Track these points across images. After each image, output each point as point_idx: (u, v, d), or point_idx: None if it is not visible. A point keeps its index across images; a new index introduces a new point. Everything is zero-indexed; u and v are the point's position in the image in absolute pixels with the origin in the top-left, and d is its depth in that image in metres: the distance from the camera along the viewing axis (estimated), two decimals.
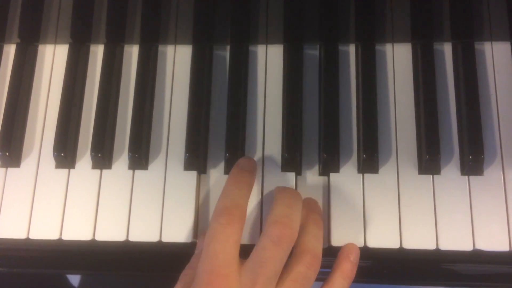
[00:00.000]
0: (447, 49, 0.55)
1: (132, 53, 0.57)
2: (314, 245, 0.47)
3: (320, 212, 0.50)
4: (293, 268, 0.45)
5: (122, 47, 0.58)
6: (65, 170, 0.53)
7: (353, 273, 0.48)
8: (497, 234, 0.49)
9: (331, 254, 0.49)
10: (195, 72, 0.56)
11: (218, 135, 0.54)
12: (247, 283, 0.43)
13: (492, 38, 0.55)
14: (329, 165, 0.52)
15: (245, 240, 0.49)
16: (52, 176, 0.53)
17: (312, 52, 0.56)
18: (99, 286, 0.78)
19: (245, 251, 0.46)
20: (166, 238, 0.51)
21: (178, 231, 0.51)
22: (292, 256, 0.46)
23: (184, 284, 0.47)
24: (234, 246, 0.45)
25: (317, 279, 0.48)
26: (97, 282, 0.79)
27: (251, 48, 0.57)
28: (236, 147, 0.52)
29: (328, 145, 0.51)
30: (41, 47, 0.58)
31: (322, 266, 0.47)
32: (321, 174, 0.52)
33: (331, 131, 0.52)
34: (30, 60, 0.58)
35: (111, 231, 0.52)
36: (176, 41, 0.57)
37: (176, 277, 0.47)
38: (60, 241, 0.52)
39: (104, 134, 0.53)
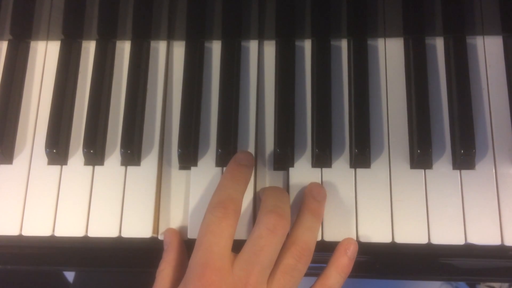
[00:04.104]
0: (439, 44, 0.55)
1: (124, 49, 0.57)
2: (305, 237, 0.47)
3: (321, 199, 0.50)
4: (283, 260, 0.46)
5: (114, 43, 0.58)
6: (58, 167, 0.53)
7: (349, 268, 0.48)
8: (488, 228, 0.49)
9: (323, 249, 0.49)
10: (187, 67, 0.55)
11: (210, 130, 0.54)
12: (241, 274, 0.43)
13: (484, 32, 0.55)
14: (321, 160, 0.52)
15: (237, 235, 0.49)
16: (45, 172, 0.53)
17: (304, 47, 0.56)
18: (94, 282, 0.78)
19: (238, 247, 0.46)
20: (160, 235, 0.51)
21: (170, 227, 0.51)
22: (282, 248, 0.46)
23: (163, 279, 0.47)
24: (229, 240, 0.45)
25: (313, 274, 0.48)
26: (91, 278, 0.79)
27: (244, 43, 0.57)
28: (228, 142, 0.52)
29: (320, 140, 0.51)
30: (33, 44, 0.58)
31: (315, 261, 0.47)
32: (313, 167, 0.52)
33: (323, 126, 0.52)
34: (22, 56, 0.57)
35: (104, 227, 0.52)
36: (168, 37, 0.57)
37: None
38: (53, 238, 0.52)
39: (96, 130, 0.53)
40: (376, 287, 1.24)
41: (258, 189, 0.52)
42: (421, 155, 0.50)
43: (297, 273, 0.46)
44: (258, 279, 0.43)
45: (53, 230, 0.52)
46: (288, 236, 0.47)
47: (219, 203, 0.46)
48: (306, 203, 0.49)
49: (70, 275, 0.89)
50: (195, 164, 0.53)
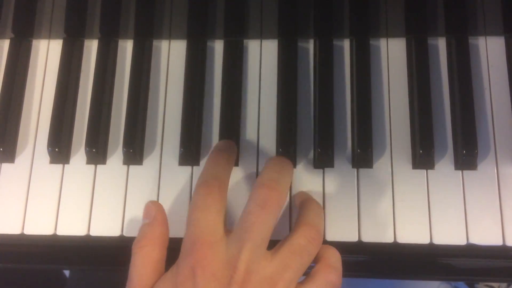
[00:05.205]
0: (441, 44, 0.55)
1: (127, 48, 0.57)
2: (317, 221, 0.45)
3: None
4: (293, 239, 0.44)
5: (117, 42, 0.57)
6: (60, 166, 0.53)
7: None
8: (490, 228, 0.49)
9: None
10: (189, 67, 0.55)
11: (212, 129, 0.54)
12: (233, 251, 0.42)
13: (486, 32, 0.55)
14: (324, 160, 0.52)
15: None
16: (47, 171, 0.53)
17: (307, 47, 0.56)
18: (90, 277, 0.78)
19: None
20: None
21: (173, 226, 0.51)
22: (292, 229, 0.45)
23: (145, 258, 0.45)
24: (217, 214, 0.44)
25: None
26: (92, 277, 0.79)
27: (246, 42, 0.57)
28: None
29: (322, 140, 0.51)
30: (35, 42, 0.58)
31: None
32: (315, 168, 0.52)
33: (326, 125, 0.52)
34: (24, 55, 0.57)
35: (106, 226, 0.52)
36: (170, 36, 0.57)
37: None
38: (54, 237, 0.52)
39: (98, 129, 0.53)
40: (375, 286, 1.24)
41: None
42: (423, 155, 0.50)
43: (307, 255, 0.44)
44: (251, 255, 0.42)
45: (55, 229, 0.52)
46: (298, 219, 0.46)
47: (203, 182, 0.46)
48: (309, 195, 0.49)
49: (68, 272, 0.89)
50: (197, 164, 0.53)
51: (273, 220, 0.44)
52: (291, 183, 0.50)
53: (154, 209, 0.48)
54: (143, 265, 0.45)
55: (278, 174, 0.46)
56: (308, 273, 0.46)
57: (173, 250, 0.47)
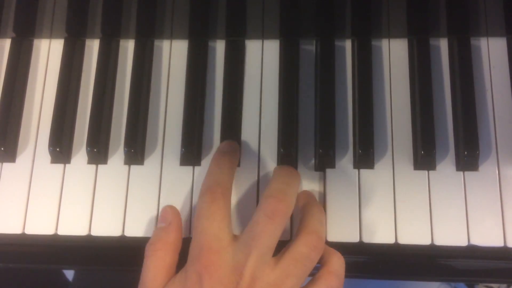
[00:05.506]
0: (443, 45, 0.55)
1: (128, 47, 0.57)
2: (319, 228, 0.46)
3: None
4: (296, 247, 0.45)
5: (118, 42, 0.57)
6: (61, 165, 0.53)
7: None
8: (491, 229, 0.49)
9: None
10: (191, 67, 0.55)
11: (213, 129, 0.54)
12: (240, 257, 0.43)
13: (488, 33, 0.55)
14: (325, 161, 0.52)
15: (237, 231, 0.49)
16: (48, 171, 0.53)
17: (308, 47, 0.56)
18: (95, 281, 0.78)
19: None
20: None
21: None
22: (295, 237, 0.46)
23: (158, 261, 0.47)
24: (222, 221, 0.45)
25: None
26: (93, 277, 0.79)
27: (247, 43, 0.57)
28: None
29: (324, 140, 0.51)
30: (36, 42, 0.58)
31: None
32: (317, 169, 0.52)
33: (327, 126, 0.52)
34: (25, 54, 0.57)
35: (107, 226, 0.52)
36: (172, 36, 0.57)
37: None
38: (55, 236, 0.52)
39: (99, 129, 0.53)
40: (375, 286, 1.24)
41: (261, 190, 0.52)
42: (424, 156, 0.50)
43: (309, 263, 0.45)
44: (257, 262, 0.43)
45: (56, 229, 0.52)
46: (301, 226, 0.47)
47: (207, 189, 0.47)
48: (312, 197, 0.50)
49: (69, 273, 0.89)
50: (199, 164, 0.53)
51: (280, 230, 0.45)
52: None
53: (171, 214, 0.50)
54: (156, 268, 0.46)
55: (286, 186, 0.47)
56: (312, 275, 0.46)
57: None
